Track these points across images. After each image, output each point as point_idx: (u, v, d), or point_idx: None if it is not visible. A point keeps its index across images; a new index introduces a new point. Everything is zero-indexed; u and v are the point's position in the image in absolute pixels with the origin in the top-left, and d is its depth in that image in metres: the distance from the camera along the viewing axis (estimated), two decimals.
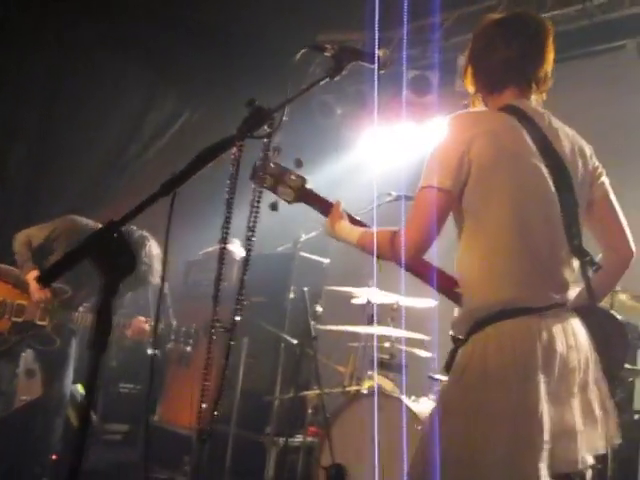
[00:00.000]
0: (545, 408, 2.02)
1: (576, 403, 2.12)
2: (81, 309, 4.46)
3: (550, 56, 2.35)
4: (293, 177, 2.47)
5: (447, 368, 2.23)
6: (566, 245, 2.22)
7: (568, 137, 2.32)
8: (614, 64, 6.04)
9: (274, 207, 2.45)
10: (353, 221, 2.48)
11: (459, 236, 2.25)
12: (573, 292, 2.25)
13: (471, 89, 2.43)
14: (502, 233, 2.14)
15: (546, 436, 2.01)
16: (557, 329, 2.12)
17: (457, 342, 2.22)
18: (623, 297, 4.02)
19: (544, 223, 2.18)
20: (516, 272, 2.14)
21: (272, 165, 2.43)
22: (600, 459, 3.65)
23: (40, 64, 6.55)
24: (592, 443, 2.13)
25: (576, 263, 2.26)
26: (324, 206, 2.51)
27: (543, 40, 2.34)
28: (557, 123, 2.34)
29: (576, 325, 2.19)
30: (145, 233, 4.58)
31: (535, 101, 2.37)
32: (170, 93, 7.45)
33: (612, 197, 2.39)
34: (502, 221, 2.14)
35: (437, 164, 2.17)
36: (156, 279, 4.61)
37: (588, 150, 2.37)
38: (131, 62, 6.92)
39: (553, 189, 2.20)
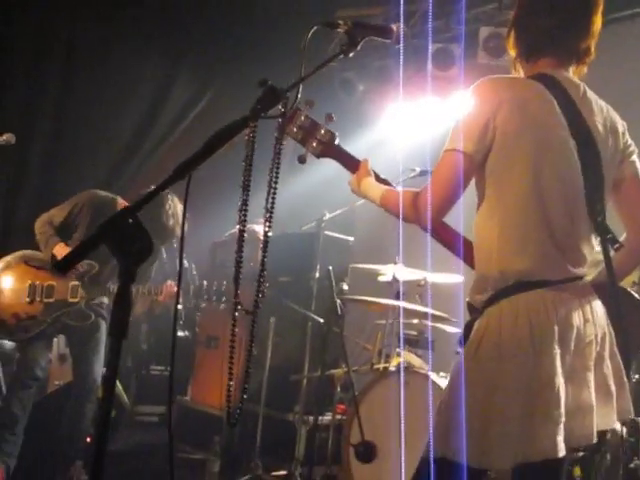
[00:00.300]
0: (561, 381, 2.01)
1: (592, 377, 2.10)
2: (111, 284, 4.49)
3: (596, 29, 2.27)
4: (323, 131, 2.43)
5: (462, 342, 2.23)
6: (587, 221, 2.19)
7: (602, 111, 2.26)
8: (631, 33, 5.90)
9: (302, 160, 2.46)
10: (379, 180, 2.45)
11: (479, 202, 2.23)
12: (595, 270, 2.22)
13: (512, 53, 2.38)
14: (521, 203, 2.12)
15: (562, 409, 2.00)
16: (574, 303, 2.11)
17: (472, 312, 2.22)
18: None
19: (564, 197, 2.14)
20: (533, 244, 2.11)
21: (303, 118, 2.41)
22: (634, 431, 3.63)
23: (57, 49, 6.56)
24: (606, 417, 2.12)
25: (597, 240, 2.23)
26: (351, 163, 2.48)
27: (590, 11, 2.26)
28: (592, 96, 2.28)
29: (593, 299, 2.17)
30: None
31: (573, 74, 2.30)
32: (190, 76, 7.42)
33: None
34: (522, 191, 2.12)
35: (462, 128, 2.15)
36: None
37: (621, 127, 2.31)
38: (149, 45, 6.90)
39: (578, 163, 2.16)
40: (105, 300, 4.62)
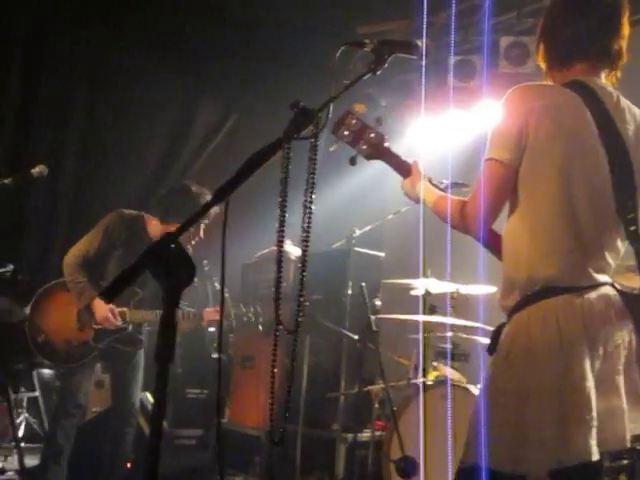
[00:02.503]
0: (591, 385, 2.02)
1: (621, 381, 2.11)
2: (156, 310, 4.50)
3: (625, 31, 2.30)
4: (373, 134, 2.48)
5: (491, 350, 2.23)
6: (615, 228, 2.20)
7: (635, 120, 2.27)
8: None
9: (353, 162, 2.51)
10: (431, 184, 2.50)
11: (510, 208, 2.25)
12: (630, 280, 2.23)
13: (542, 65, 2.40)
14: (551, 211, 2.14)
15: (594, 413, 2.00)
16: (601, 307, 2.11)
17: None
18: None
19: (593, 205, 2.15)
20: (562, 251, 2.13)
21: (353, 121, 2.45)
22: None
23: (83, 75, 6.67)
24: (638, 422, 2.12)
25: (624, 247, 2.24)
26: (401, 166, 2.52)
27: (618, 13, 2.29)
28: (625, 103, 2.29)
29: (619, 305, 2.16)
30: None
31: (606, 78, 2.32)
32: (213, 99, 7.50)
33: None
34: (552, 199, 2.13)
35: (498, 137, 2.19)
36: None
37: None
38: (171, 71, 6.99)
39: (608, 172, 2.16)
40: (144, 325, 4.64)
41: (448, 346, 4.61)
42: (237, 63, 7.13)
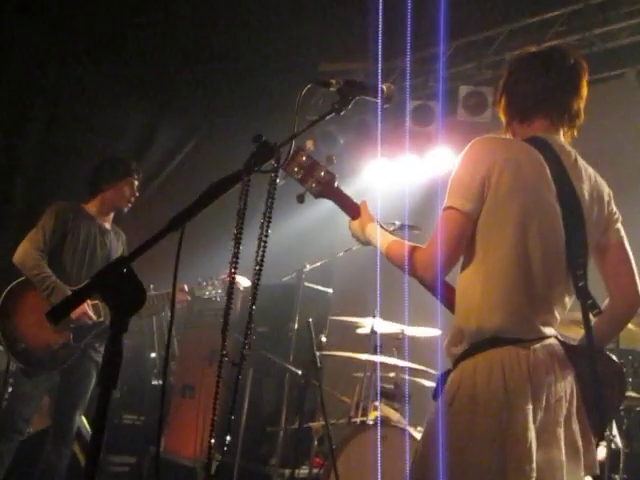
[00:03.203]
0: (533, 436, 2.04)
1: (562, 433, 2.13)
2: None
3: (584, 91, 2.37)
4: (323, 173, 2.45)
5: (435, 395, 2.24)
6: (565, 284, 2.24)
7: (590, 180, 2.33)
8: (614, 92, 6.09)
9: (301, 199, 2.46)
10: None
11: (465, 257, 2.25)
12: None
13: (503, 118, 2.44)
14: (505, 265, 2.16)
15: (534, 464, 2.02)
16: (546, 359, 2.15)
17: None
18: (629, 325, 4.02)
19: (546, 261, 2.19)
20: (512, 303, 2.15)
21: (304, 157, 2.43)
22: None
23: (40, 96, 6.60)
24: (574, 474, 2.14)
25: (571, 302, 2.29)
26: (350, 206, 2.49)
27: (579, 74, 2.36)
28: (582, 163, 2.35)
29: (562, 357, 2.21)
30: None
31: (564, 137, 2.37)
32: (173, 123, 7.50)
33: (626, 244, 2.39)
34: (505, 252, 2.16)
35: (459, 185, 2.19)
36: None
37: (607, 196, 2.38)
38: (133, 93, 6.98)
39: (563, 229, 2.21)
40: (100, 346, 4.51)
41: (379, 384, 4.63)
42: (200, 91, 7.16)
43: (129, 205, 4.66)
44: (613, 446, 3.82)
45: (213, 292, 4.91)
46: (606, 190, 2.39)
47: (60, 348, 4.28)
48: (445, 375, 2.24)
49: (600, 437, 2.29)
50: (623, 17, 5.88)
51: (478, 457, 2.04)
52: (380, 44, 4.58)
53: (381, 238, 2.39)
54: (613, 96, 6.12)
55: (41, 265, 4.25)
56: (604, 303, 2.35)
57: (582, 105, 2.38)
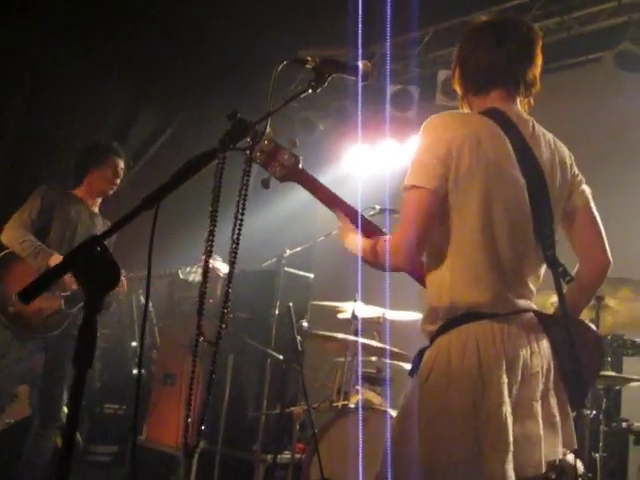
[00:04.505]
0: (508, 411, 2.04)
1: (539, 408, 2.13)
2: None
3: (539, 60, 2.36)
4: (287, 156, 2.42)
5: (412, 373, 2.24)
6: (535, 255, 2.24)
7: (550, 146, 2.32)
8: (592, 75, 6.12)
9: (265, 184, 2.41)
10: (366, 222, 2.44)
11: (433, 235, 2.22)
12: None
13: (459, 90, 2.43)
14: (471, 239, 2.15)
15: (510, 438, 2.02)
16: (521, 335, 2.15)
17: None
18: (610, 302, 4.04)
19: (512, 233, 2.19)
20: (483, 279, 2.15)
21: (266, 142, 2.39)
22: (589, 467, 3.68)
23: (18, 84, 6.54)
24: (553, 447, 2.15)
25: (544, 271, 2.29)
26: (317, 188, 2.46)
27: (533, 43, 2.34)
28: (540, 130, 2.34)
29: (539, 332, 2.21)
30: None
31: (521, 106, 2.36)
32: (152, 110, 7.45)
33: (592, 206, 2.39)
34: (472, 227, 2.15)
35: (421, 165, 2.16)
36: None
37: (569, 159, 2.37)
38: (112, 78, 6.93)
39: (527, 200, 2.21)
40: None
41: (360, 369, 4.63)
42: (179, 79, 7.11)
43: (114, 187, 4.66)
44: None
45: (197, 278, 4.91)
46: (567, 153, 2.38)
47: (52, 313, 4.31)
48: (421, 352, 2.24)
49: (580, 405, 2.30)
50: (600, 0, 5.89)
51: (450, 431, 2.04)
52: (360, 29, 4.57)
53: (356, 246, 2.35)
54: (591, 79, 6.15)
55: (26, 234, 4.28)
56: (574, 270, 2.35)
57: (537, 73, 2.36)
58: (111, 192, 4.67)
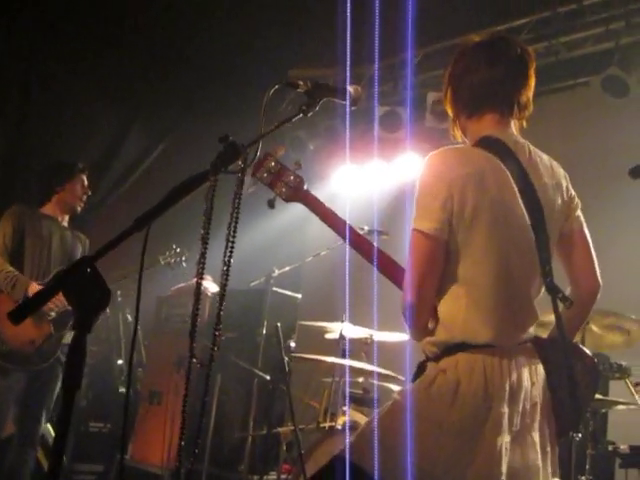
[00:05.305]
0: (506, 440, 2.04)
1: (537, 438, 2.14)
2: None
3: (532, 81, 2.32)
4: (292, 177, 2.48)
5: (415, 380, 2.23)
6: (538, 281, 2.24)
7: (547, 170, 2.30)
8: (579, 100, 6.19)
9: (271, 204, 2.51)
10: (358, 237, 2.47)
11: (445, 274, 2.19)
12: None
13: (450, 112, 2.39)
14: (481, 280, 2.14)
15: (503, 468, 2.02)
16: (524, 365, 2.16)
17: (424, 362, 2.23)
18: (594, 328, 4.08)
19: (522, 267, 2.19)
20: (494, 318, 2.14)
21: (272, 163, 2.46)
22: None
23: (8, 100, 6.54)
24: (547, 477, 2.15)
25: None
26: (320, 209, 2.49)
27: (526, 64, 2.31)
28: (536, 153, 2.32)
29: (537, 362, 2.22)
30: None
31: (515, 128, 2.33)
32: (141, 129, 7.47)
33: (586, 230, 2.39)
34: (481, 268, 2.14)
35: (423, 208, 2.14)
36: None
37: (565, 181, 2.35)
38: (103, 96, 6.94)
39: (531, 232, 2.20)
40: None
41: (348, 389, 4.63)
42: (169, 97, 7.14)
43: (82, 204, 4.71)
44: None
45: (175, 260, 4.94)
46: (562, 174, 2.36)
47: (44, 341, 4.28)
48: (423, 364, 2.22)
49: (575, 429, 2.30)
50: (588, 26, 5.96)
51: (444, 445, 2.03)
52: (349, 50, 4.60)
53: None
54: (578, 103, 6.21)
55: (2, 264, 4.25)
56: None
57: (531, 95, 2.33)
58: (79, 209, 4.71)
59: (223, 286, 1.84)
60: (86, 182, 4.71)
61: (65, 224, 4.67)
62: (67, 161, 4.82)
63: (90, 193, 4.74)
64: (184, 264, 4.98)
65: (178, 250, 4.97)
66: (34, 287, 4.20)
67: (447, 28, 6.29)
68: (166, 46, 6.73)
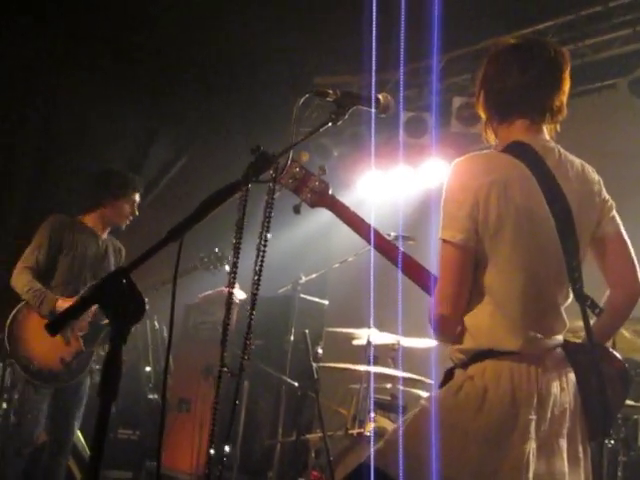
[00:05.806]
0: (532, 447, 2.04)
1: (564, 444, 2.13)
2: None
3: (566, 85, 2.28)
4: (317, 182, 2.50)
5: (442, 387, 2.24)
6: (566, 287, 2.23)
7: (578, 174, 2.27)
8: (606, 102, 6.13)
9: (297, 210, 2.51)
10: (384, 242, 2.46)
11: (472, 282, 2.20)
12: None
13: (482, 115, 2.38)
14: (508, 288, 2.14)
15: (530, 474, 2.02)
16: (553, 372, 2.15)
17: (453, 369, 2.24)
18: (625, 333, 4.04)
19: (548, 274, 2.18)
20: (521, 326, 2.13)
21: (297, 169, 2.47)
22: None
23: (34, 108, 6.62)
24: None
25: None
26: (345, 214, 2.50)
27: (561, 68, 2.27)
28: (567, 157, 2.29)
29: (568, 368, 2.21)
30: None
31: (547, 133, 2.30)
32: (166, 138, 7.52)
33: (623, 231, 2.34)
34: (508, 276, 2.14)
35: (449, 216, 2.15)
36: None
37: (597, 185, 2.32)
38: (126, 108, 7.00)
39: (558, 239, 2.18)
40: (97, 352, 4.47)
41: (373, 396, 4.61)
42: (196, 103, 7.18)
43: (127, 222, 4.57)
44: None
45: (212, 266, 4.75)
46: (596, 179, 2.32)
47: (73, 359, 4.28)
48: (451, 371, 2.23)
49: (606, 435, 2.28)
50: (614, 28, 5.92)
51: (469, 452, 2.04)
52: (374, 56, 4.61)
53: None
54: (605, 106, 6.16)
55: (31, 281, 4.24)
56: (602, 299, 2.34)
57: (565, 99, 2.29)
58: (124, 227, 4.58)
59: (254, 296, 1.85)
60: (137, 201, 4.55)
61: (105, 236, 4.54)
62: (122, 173, 4.62)
63: (137, 213, 4.55)
64: (227, 267, 4.80)
65: (219, 254, 4.74)
66: (62, 302, 4.19)
67: (472, 33, 6.28)
68: (191, 53, 6.77)
